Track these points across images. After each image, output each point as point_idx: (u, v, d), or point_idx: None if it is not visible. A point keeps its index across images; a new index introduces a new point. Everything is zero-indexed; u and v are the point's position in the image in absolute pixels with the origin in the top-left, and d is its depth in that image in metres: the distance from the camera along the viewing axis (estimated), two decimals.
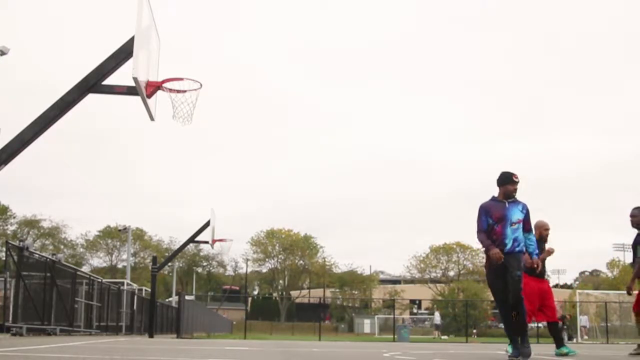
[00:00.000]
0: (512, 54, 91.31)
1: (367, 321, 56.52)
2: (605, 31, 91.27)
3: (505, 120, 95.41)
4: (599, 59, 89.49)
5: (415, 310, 63.63)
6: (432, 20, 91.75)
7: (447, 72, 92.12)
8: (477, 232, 7.19)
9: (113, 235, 65.39)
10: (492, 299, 8.21)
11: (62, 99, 7.30)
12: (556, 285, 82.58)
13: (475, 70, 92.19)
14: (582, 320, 32.08)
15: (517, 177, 7.18)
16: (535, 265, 7.46)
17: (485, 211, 7.17)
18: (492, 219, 7.10)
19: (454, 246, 68.12)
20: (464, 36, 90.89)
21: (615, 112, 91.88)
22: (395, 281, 76.37)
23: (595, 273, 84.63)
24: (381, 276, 77.82)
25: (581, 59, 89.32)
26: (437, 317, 39.11)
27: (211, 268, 78.46)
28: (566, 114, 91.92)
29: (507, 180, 7.17)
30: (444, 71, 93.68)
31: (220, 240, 23.22)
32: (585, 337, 31.09)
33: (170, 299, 49.24)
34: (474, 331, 35.88)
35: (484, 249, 7.18)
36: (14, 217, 60.85)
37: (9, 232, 58.25)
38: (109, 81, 7.46)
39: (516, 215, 7.10)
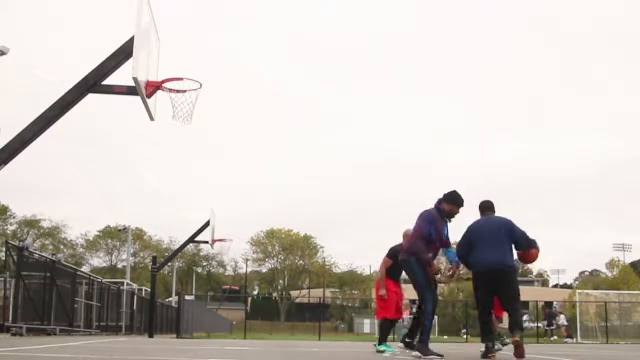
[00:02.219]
0: (512, 54, 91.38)
1: (367, 321, 56.43)
2: (605, 31, 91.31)
3: (505, 120, 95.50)
4: (599, 59, 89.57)
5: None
6: (432, 19, 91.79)
7: (447, 72, 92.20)
8: (420, 237, 7.17)
9: (113, 236, 65.42)
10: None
11: (62, 99, 7.29)
12: (556, 285, 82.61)
13: (475, 70, 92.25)
14: (561, 319, 30.91)
15: (463, 205, 7.36)
16: (451, 273, 7.71)
17: (434, 221, 7.20)
18: (435, 234, 7.19)
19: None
20: (464, 36, 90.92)
21: (615, 112, 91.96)
22: None
23: (595, 273, 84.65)
24: None
25: (581, 59, 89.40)
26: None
27: (211, 268, 78.48)
28: (566, 114, 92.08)
29: (457, 204, 7.27)
30: (444, 71, 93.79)
31: (220, 240, 23.19)
32: (564, 337, 29.10)
33: (170, 299, 49.20)
34: (464, 331, 35.72)
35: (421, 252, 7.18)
36: (14, 217, 60.95)
37: (9, 232, 58.26)
38: (109, 81, 7.45)
39: (445, 234, 7.39)
